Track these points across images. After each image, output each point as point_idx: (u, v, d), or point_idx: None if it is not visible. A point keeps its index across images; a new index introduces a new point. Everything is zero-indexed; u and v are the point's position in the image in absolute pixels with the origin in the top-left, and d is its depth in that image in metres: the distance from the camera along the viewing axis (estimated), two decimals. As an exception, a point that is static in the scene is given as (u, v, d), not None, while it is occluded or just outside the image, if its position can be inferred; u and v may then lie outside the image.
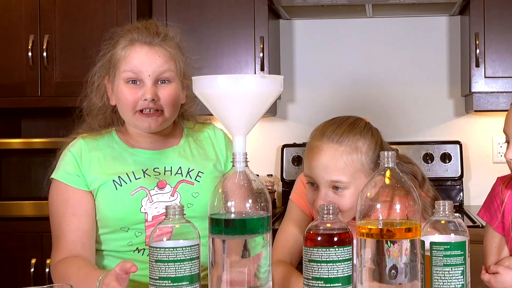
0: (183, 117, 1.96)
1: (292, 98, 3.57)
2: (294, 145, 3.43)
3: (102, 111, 1.88)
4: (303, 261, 1.33)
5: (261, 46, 3.17)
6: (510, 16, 3.11)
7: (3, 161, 3.09)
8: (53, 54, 3.10)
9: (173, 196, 1.81)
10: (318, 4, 3.19)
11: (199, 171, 1.86)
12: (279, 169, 3.47)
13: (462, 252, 1.34)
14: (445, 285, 1.33)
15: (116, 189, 1.79)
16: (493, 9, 3.11)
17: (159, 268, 1.31)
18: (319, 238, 1.31)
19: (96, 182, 1.80)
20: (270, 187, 3.37)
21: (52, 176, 1.83)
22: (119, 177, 1.80)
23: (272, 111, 3.46)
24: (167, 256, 1.30)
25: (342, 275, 1.30)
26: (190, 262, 1.31)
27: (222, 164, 1.92)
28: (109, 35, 1.87)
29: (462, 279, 1.34)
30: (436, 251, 1.34)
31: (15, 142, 3.12)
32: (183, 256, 1.30)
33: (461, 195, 3.37)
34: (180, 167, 1.85)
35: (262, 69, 3.16)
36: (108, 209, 1.79)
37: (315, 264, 1.30)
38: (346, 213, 1.69)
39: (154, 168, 1.84)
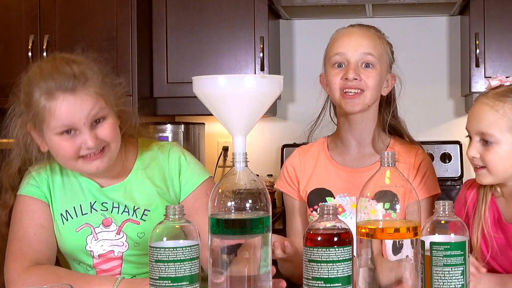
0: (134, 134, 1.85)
1: (292, 98, 3.57)
2: (294, 145, 3.42)
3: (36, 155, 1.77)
4: (303, 261, 1.33)
5: (261, 46, 3.17)
6: (510, 16, 3.11)
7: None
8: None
9: (119, 234, 1.77)
10: (318, 4, 3.19)
11: (145, 209, 1.78)
12: (279, 169, 3.47)
13: (462, 252, 1.34)
14: (445, 285, 1.33)
15: (63, 223, 1.77)
16: (493, 9, 3.11)
17: (159, 268, 1.31)
18: (319, 238, 1.31)
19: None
20: (270, 187, 3.37)
21: (18, 193, 1.78)
22: (66, 211, 1.78)
23: (272, 111, 3.46)
24: (167, 256, 1.30)
25: (342, 275, 1.30)
26: (190, 262, 1.31)
27: (171, 193, 1.82)
28: (19, 80, 1.72)
29: (462, 279, 1.34)
30: (436, 251, 1.34)
31: (15, 142, 3.12)
32: (183, 256, 1.31)
33: (461, 195, 3.37)
34: (126, 205, 1.79)
35: (262, 69, 3.16)
36: (58, 242, 1.78)
37: (315, 264, 1.30)
38: (369, 92, 1.86)
39: (102, 203, 1.79)
